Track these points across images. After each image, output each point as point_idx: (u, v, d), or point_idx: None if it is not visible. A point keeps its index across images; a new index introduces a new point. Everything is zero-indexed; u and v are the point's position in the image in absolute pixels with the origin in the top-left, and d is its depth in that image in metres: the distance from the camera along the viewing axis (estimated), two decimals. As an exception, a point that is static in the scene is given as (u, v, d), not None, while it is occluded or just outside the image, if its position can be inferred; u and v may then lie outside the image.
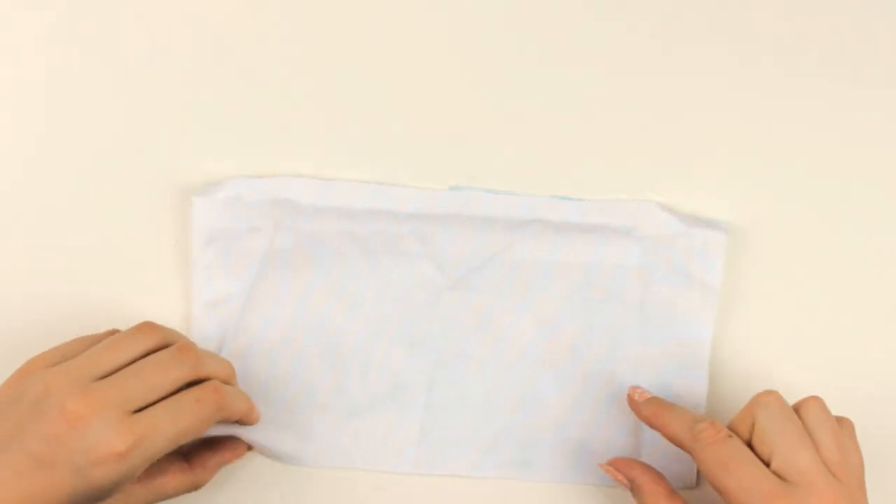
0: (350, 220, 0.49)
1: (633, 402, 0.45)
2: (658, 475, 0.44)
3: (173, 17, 0.51)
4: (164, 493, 0.42)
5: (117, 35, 0.51)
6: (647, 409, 0.44)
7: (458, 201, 0.49)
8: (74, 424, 0.36)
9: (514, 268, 0.48)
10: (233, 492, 0.46)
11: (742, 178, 0.50)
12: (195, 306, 0.47)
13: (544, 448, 0.47)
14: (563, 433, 0.47)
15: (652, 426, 0.44)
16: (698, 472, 0.47)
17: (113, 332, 0.43)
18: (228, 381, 0.43)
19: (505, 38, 0.52)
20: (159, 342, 0.41)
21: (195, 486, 0.43)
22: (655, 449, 0.45)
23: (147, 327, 0.41)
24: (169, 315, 0.47)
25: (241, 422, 0.43)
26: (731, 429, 0.41)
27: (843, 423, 0.42)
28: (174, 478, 0.42)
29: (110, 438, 0.36)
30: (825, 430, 0.40)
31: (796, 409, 0.41)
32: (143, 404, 0.38)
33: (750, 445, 0.40)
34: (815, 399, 0.42)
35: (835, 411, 0.43)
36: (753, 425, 0.41)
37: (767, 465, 0.39)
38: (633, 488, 0.43)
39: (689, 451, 0.41)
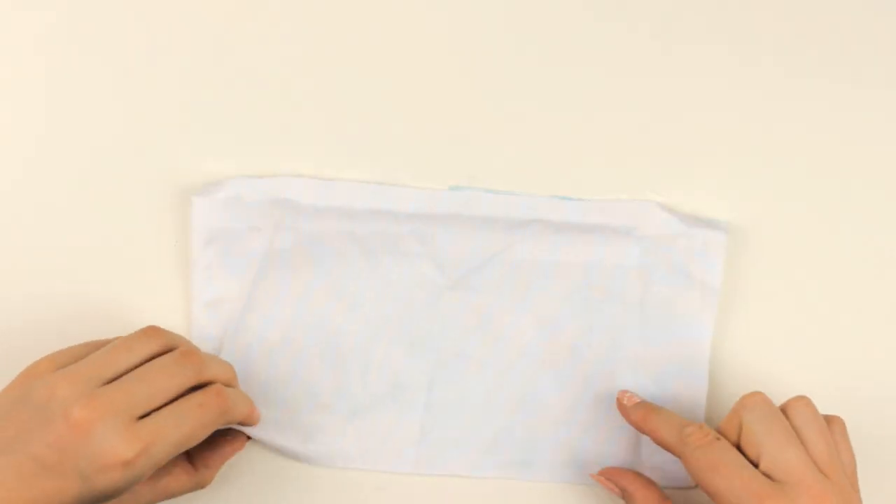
0: (350, 220, 0.49)
1: (621, 406, 0.45)
2: (648, 482, 0.44)
3: (173, 17, 0.51)
4: (170, 492, 0.42)
5: (117, 35, 0.51)
6: (636, 413, 0.44)
7: (458, 201, 0.49)
8: (80, 431, 0.36)
9: (514, 268, 0.48)
10: (233, 492, 0.46)
11: (742, 178, 0.50)
12: (195, 306, 0.47)
13: (544, 448, 0.47)
14: (563, 433, 0.47)
15: (641, 430, 0.44)
16: (698, 472, 0.47)
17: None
18: (230, 383, 0.43)
19: (505, 38, 0.52)
20: (163, 346, 0.41)
21: (199, 486, 0.43)
22: (655, 449, 0.45)
23: (151, 331, 0.41)
24: (169, 315, 0.47)
25: (242, 423, 0.43)
26: (720, 432, 0.42)
27: (834, 422, 0.42)
28: (178, 478, 0.42)
29: (116, 446, 0.36)
30: (813, 429, 0.40)
31: (783, 409, 0.42)
32: (147, 410, 0.38)
33: (738, 448, 0.41)
34: (802, 398, 0.42)
35: (835, 411, 0.43)
36: (741, 427, 0.41)
37: (756, 465, 0.39)
38: (625, 496, 0.44)
39: (678, 455, 0.41)
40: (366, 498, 0.47)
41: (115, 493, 0.37)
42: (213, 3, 0.51)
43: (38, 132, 0.50)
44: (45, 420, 0.37)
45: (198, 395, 0.40)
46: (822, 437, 0.40)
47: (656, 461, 0.46)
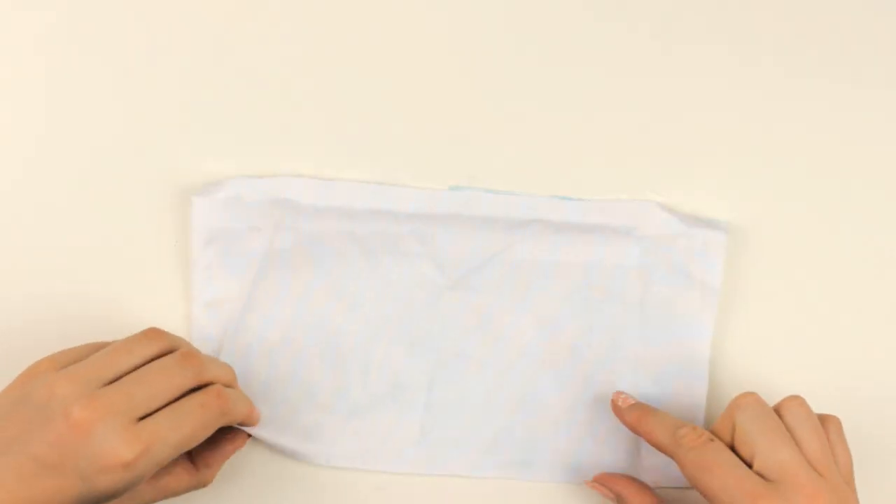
0: (350, 220, 0.49)
1: (616, 408, 0.45)
2: (642, 486, 0.44)
3: (173, 17, 0.51)
4: (170, 491, 0.42)
5: (117, 35, 0.51)
6: (631, 414, 0.44)
7: (458, 201, 0.49)
8: (80, 431, 0.36)
9: (514, 268, 0.48)
10: (233, 492, 0.46)
11: (742, 178, 0.50)
12: (195, 306, 0.47)
13: (544, 448, 0.47)
14: (563, 433, 0.47)
15: (635, 432, 0.44)
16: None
17: None
18: (230, 385, 0.43)
19: (505, 38, 0.52)
20: (164, 348, 0.41)
21: (201, 485, 0.43)
22: (654, 449, 0.45)
23: (153, 333, 0.41)
24: (169, 315, 0.48)
25: (242, 424, 0.43)
26: (713, 432, 0.42)
27: (830, 421, 0.42)
28: (179, 477, 0.42)
29: (117, 447, 0.36)
30: (806, 428, 0.40)
31: (777, 409, 0.42)
32: (147, 411, 0.38)
33: (732, 448, 0.41)
34: (796, 398, 0.42)
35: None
36: (734, 427, 0.41)
37: (750, 465, 0.39)
38: (620, 501, 0.44)
39: (672, 457, 0.41)
40: (366, 498, 0.47)
41: (116, 493, 0.37)
42: (213, 3, 0.51)
43: (38, 132, 0.50)
44: (45, 420, 0.37)
45: (198, 396, 0.40)
46: (815, 435, 0.40)
47: (655, 461, 0.46)
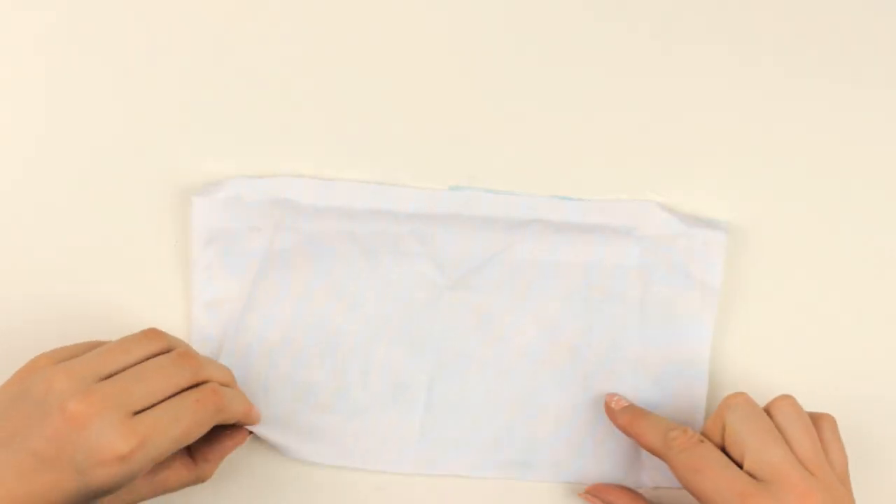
0: (350, 220, 0.49)
1: (609, 410, 0.45)
2: (636, 495, 0.45)
3: (173, 17, 0.51)
4: (169, 487, 0.42)
5: (117, 35, 0.51)
6: (623, 417, 0.44)
7: (458, 201, 0.49)
8: (76, 424, 0.36)
9: (514, 268, 0.48)
10: (233, 492, 0.46)
11: (742, 178, 0.50)
12: (195, 306, 0.47)
13: (544, 448, 0.47)
14: (563, 433, 0.47)
15: (628, 434, 0.44)
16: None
17: None
18: (227, 385, 0.43)
19: (505, 38, 0.52)
20: (162, 348, 0.41)
21: (199, 480, 0.43)
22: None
23: (152, 333, 0.42)
24: (169, 315, 0.47)
25: (240, 423, 0.44)
26: (704, 433, 0.42)
27: (824, 419, 0.42)
28: (177, 472, 0.42)
29: (112, 440, 0.36)
30: (797, 427, 0.40)
31: (767, 408, 0.42)
32: (143, 406, 0.38)
33: (723, 449, 0.41)
34: (786, 397, 0.42)
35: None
36: (724, 428, 0.41)
37: (740, 466, 0.39)
38: None
39: (663, 459, 0.42)
40: (366, 498, 0.47)
41: (113, 487, 0.37)
42: (213, 3, 0.51)
43: (38, 132, 0.50)
44: (42, 414, 0.37)
45: (194, 392, 0.40)
46: (806, 434, 0.40)
47: (656, 461, 0.46)
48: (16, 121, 0.50)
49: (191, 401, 0.40)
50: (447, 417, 0.47)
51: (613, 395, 0.46)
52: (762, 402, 0.42)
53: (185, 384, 0.40)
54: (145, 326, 0.42)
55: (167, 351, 0.41)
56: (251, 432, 0.45)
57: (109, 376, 0.39)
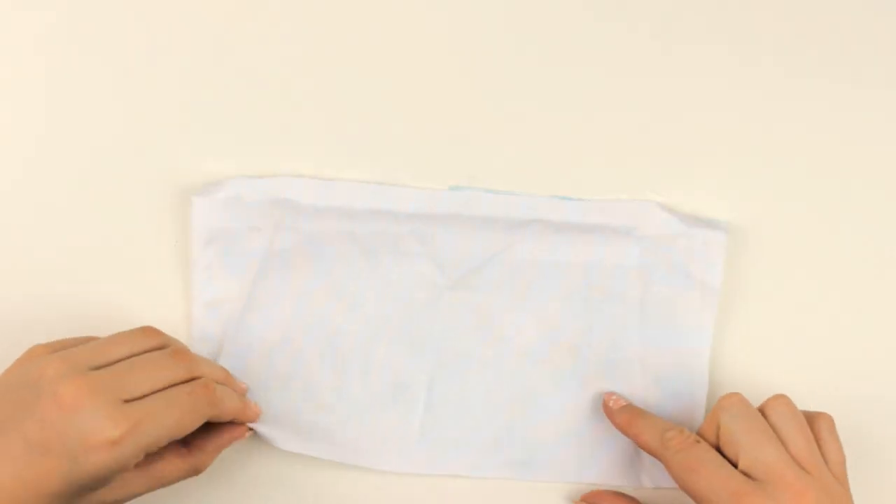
0: (350, 220, 0.49)
1: (607, 409, 0.46)
2: (629, 500, 0.45)
3: (173, 17, 0.51)
4: (164, 478, 0.41)
5: (117, 35, 0.51)
6: (621, 416, 0.44)
7: (458, 201, 0.49)
8: (67, 408, 0.36)
9: (514, 268, 0.48)
10: (233, 491, 0.46)
11: (742, 178, 0.50)
12: (195, 306, 0.47)
13: (544, 448, 0.47)
14: (562, 433, 0.47)
15: (625, 434, 0.44)
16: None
17: None
18: (223, 383, 0.43)
19: (505, 38, 0.52)
20: (158, 345, 0.42)
21: (195, 471, 0.43)
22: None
23: (149, 330, 0.42)
24: (169, 315, 0.47)
25: (236, 420, 0.44)
26: (700, 434, 0.42)
27: (821, 418, 0.42)
28: (172, 463, 0.41)
29: (104, 425, 0.37)
30: (791, 427, 0.40)
31: (761, 409, 0.42)
32: (136, 395, 0.38)
33: (718, 449, 0.41)
34: (780, 397, 0.42)
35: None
36: (718, 428, 0.41)
37: (736, 466, 0.40)
38: None
39: (660, 459, 0.42)
40: (366, 498, 0.47)
41: (105, 473, 0.37)
42: (213, 3, 0.51)
43: (38, 132, 0.50)
44: (35, 399, 0.37)
45: (187, 385, 0.40)
46: (800, 433, 0.40)
47: (655, 461, 0.46)
48: (16, 121, 0.50)
49: (184, 393, 0.40)
50: (447, 417, 0.47)
51: (612, 394, 0.46)
52: (762, 402, 0.42)
53: (178, 379, 0.40)
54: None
55: (162, 347, 0.42)
56: (251, 430, 0.45)
57: (104, 366, 0.39)
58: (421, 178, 0.50)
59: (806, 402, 0.43)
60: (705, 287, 0.48)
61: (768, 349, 0.49)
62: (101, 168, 0.49)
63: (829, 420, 0.42)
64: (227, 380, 0.44)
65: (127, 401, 0.38)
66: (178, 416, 0.39)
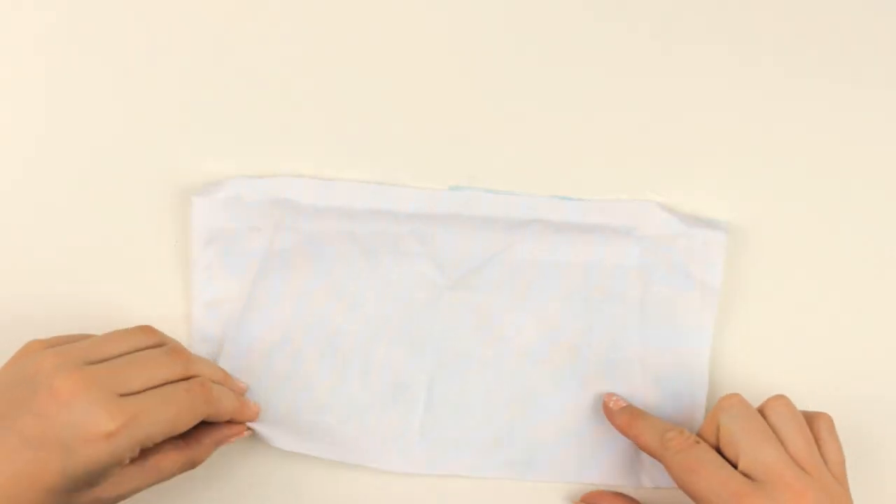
0: (350, 220, 0.49)
1: (607, 410, 0.46)
2: (628, 500, 0.45)
3: (173, 17, 0.51)
4: (160, 471, 0.41)
5: (117, 35, 0.51)
6: (621, 417, 0.44)
7: (458, 201, 0.49)
8: (63, 401, 0.37)
9: (514, 268, 0.48)
10: (232, 491, 0.46)
11: (742, 178, 0.50)
12: (195, 306, 0.47)
13: (544, 448, 0.47)
14: (563, 433, 0.47)
15: (625, 435, 0.44)
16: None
17: None
18: (220, 383, 0.43)
19: (505, 38, 0.52)
20: (155, 343, 0.42)
21: (192, 464, 0.42)
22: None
23: (146, 328, 0.42)
24: (169, 315, 0.47)
25: (234, 420, 0.44)
26: (699, 435, 0.42)
27: (820, 418, 0.42)
28: (169, 456, 0.41)
29: (99, 417, 0.37)
30: (790, 427, 0.40)
31: (761, 409, 0.42)
32: (131, 390, 0.38)
33: (718, 450, 0.41)
34: (779, 397, 0.42)
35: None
36: (718, 429, 0.41)
37: (735, 466, 0.40)
38: None
39: (660, 460, 0.42)
40: (366, 498, 0.47)
41: (100, 467, 0.37)
42: (213, 3, 0.51)
43: (38, 132, 0.50)
44: (31, 393, 0.37)
45: (184, 383, 0.40)
46: (800, 433, 0.40)
47: (655, 461, 0.46)
48: (16, 121, 0.50)
49: (180, 390, 0.40)
50: (447, 417, 0.47)
51: (612, 395, 0.46)
52: (761, 402, 0.42)
53: (174, 376, 0.40)
54: (144, 326, 0.42)
55: (159, 346, 0.42)
56: (251, 429, 0.45)
57: (99, 362, 0.39)
58: (421, 178, 0.50)
59: (806, 402, 0.43)
60: (705, 287, 0.48)
61: (768, 349, 0.49)
62: (101, 168, 0.49)
63: (829, 420, 0.42)
64: (225, 379, 0.44)
65: (123, 395, 0.38)
66: (175, 412, 0.39)
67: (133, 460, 0.39)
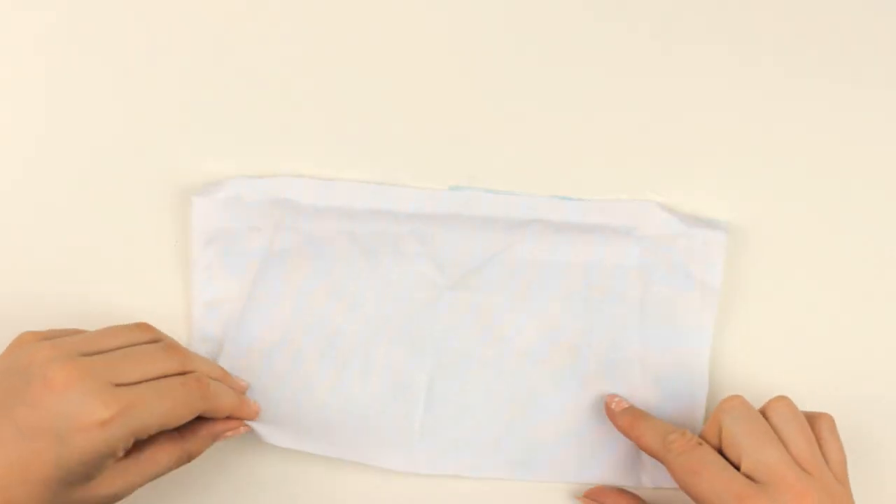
0: (350, 220, 0.49)
1: (609, 411, 0.46)
2: (631, 496, 0.45)
3: (173, 17, 0.51)
4: (156, 465, 0.41)
5: (117, 35, 0.51)
6: (623, 419, 0.44)
7: (458, 201, 0.49)
8: (57, 391, 0.37)
9: (514, 268, 0.48)
10: (231, 491, 0.46)
11: (742, 178, 0.50)
12: (195, 306, 0.47)
13: (544, 448, 0.47)
14: (563, 433, 0.47)
15: (627, 436, 0.44)
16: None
17: None
18: (217, 379, 0.43)
19: (505, 38, 0.52)
20: (151, 339, 0.42)
21: (188, 457, 0.42)
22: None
23: (143, 325, 0.42)
24: (169, 315, 0.48)
25: (233, 416, 0.44)
26: (702, 437, 0.42)
27: (821, 419, 0.42)
28: (164, 448, 0.41)
29: (94, 406, 0.37)
30: (792, 428, 0.41)
31: (763, 410, 0.42)
32: (127, 381, 0.38)
33: (720, 452, 0.41)
34: (781, 398, 0.42)
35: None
36: (720, 431, 0.41)
37: (738, 468, 0.40)
38: None
39: (662, 462, 0.42)
40: (366, 497, 0.47)
41: (94, 457, 0.37)
42: (213, 3, 0.51)
43: (38, 132, 0.50)
44: (25, 384, 0.37)
45: (180, 377, 0.41)
46: (802, 434, 0.40)
47: (656, 462, 0.46)
48: (16, 121, 0.50)
49: (176, 383, 0.40)
50: (447, 417, 0.47)
51: (614, 396, 0.46)
52: (762, 402, 0.42)
53: (170, 371, 0.40)
54: (144, 326, 0.42)
55: (155, 342, 0.42)
56: (249, 427, 0.45)
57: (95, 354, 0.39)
58: (421, 178, 0.50)
59: (806, 403, 0.43)
60: (705, 287, 0.48)
61: (768, 349, 0.49)
62: (101, 168, 0.49)
63: (830, 420, 0.42)
64: (223, 377, 0.44)
65: (118, 385, 0.38)
66: (170, 405, 0.39)
67: (128, 453, 0.39)
